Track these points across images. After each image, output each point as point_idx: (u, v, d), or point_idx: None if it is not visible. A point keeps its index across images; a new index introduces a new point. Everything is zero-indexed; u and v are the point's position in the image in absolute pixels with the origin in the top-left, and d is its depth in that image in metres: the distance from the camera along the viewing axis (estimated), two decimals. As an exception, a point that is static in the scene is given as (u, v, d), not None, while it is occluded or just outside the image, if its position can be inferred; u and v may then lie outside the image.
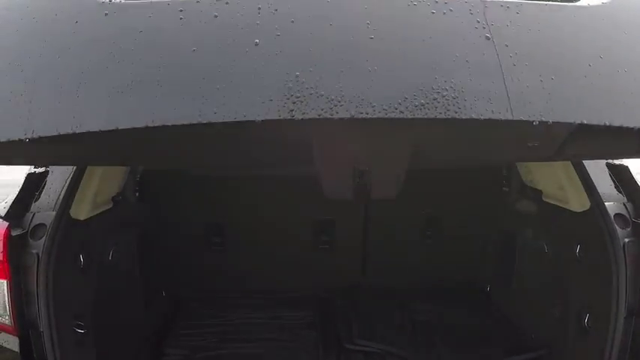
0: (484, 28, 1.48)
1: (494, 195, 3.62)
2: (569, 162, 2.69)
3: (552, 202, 2.92)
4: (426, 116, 1.38)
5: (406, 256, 3.80)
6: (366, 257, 3.81)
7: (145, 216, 3.47)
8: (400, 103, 1.38)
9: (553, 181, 2.87)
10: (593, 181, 2.62)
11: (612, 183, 2.69)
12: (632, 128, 1.48)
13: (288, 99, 1.36)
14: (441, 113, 1.38)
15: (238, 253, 3.73)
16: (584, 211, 2.63)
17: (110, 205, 2.93)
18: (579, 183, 2.64)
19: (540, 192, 3.06)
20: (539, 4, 1.59)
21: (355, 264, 3.82)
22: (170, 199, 3.57)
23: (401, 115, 1.37)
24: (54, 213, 2.44)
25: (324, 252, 3.74)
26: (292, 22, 1.45)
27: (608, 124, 1.46)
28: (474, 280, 3.83)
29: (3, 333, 2.30)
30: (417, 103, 1.38)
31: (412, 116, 1.37)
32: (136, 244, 3.23)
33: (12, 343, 2.30)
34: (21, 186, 2.43)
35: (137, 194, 3.46)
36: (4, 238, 2.25)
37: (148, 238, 3.45)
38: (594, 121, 1.46)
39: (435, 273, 3.85)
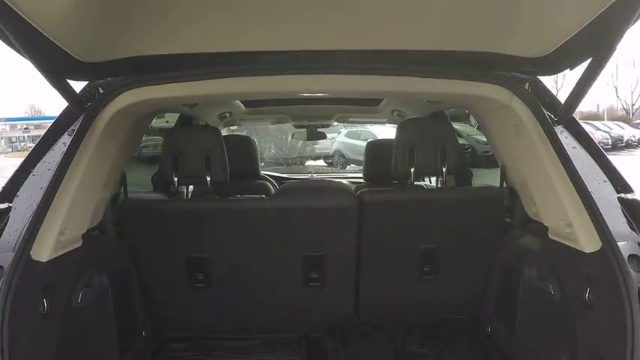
0: None
1: (497, 229, 3.40)
2: (578, 196, 2.49)
3: (559, 241, 2.71)
4: None
5: (402, 294, 3.57)
6: (359, 295, 3.57)
7: (121, 252, 3.26)
8: None
9: (560, 216, 2.65)
10: (605, 217, 2.41)
11: (625, 220, 2.47)
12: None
13: None
14: None
15: (222, 290, 3.49)
16: (594, 252, 2.41)
17: (79, 244, 2.73)
18: (589, 220, 2.43)
19: (546, 228, 2.84)
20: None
21: (347, 302, 3.59)
22: (150, 233, 3.35)
23: None
24: (12, 254, 2.26)
25: (315, 289, 3.50)
26: None
27: None
28: (474, 319, 3.60)
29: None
30: None
31: None
32: (111, 284, 3.00)
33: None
34: None
35: (116, 229, 3.27)
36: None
37: (125, 275, 3.23)
38: None
39: (433, 312, 3.62)
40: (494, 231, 3.41)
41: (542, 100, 2.85)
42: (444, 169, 3.40)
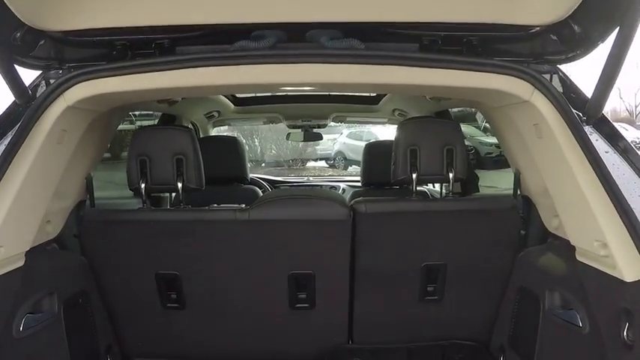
0: None
1: (511, 245, 3.00)
2: (616, 212, 2.06)
3: (590, 264, 2.27)
4: None
5: (402, 316, 3.16)
6: (353, 317, 3.15)
7: (80, 270, 2.85)
8: None
9: (591, 235, 2.21)
10: None
11: None
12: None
13: None
14: None
15: (198, 312, 3.08)
16: (637, 281, 1.98)
17: (20, 263, 2.33)
18: (631, 242, 1.99)
19: (573, 248, 2.41)
20: None
21: (339, 326, 3.17)
22: (113, 247, 2.93)
23: None
24: None
25: (302, 312, 3.09)
26: None
27: None
28: (483, 347, 3.18)
29: None
30: None
31: None
32: (64, 308, 2.59)
33: None
34: None
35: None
36: None
37: (83, 297, 2.82)
38: None
39: (437, 336, 3.20)
40: (508, 247, 3.01)
41: (567, 95, 2.42)
42: (450, 175, 2.98)
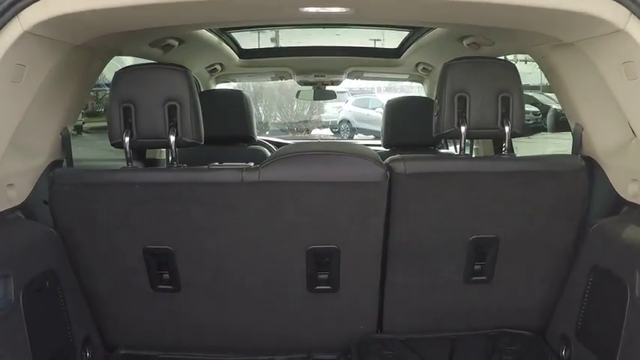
0: None
1: (579, 214, 2.47)
2: None
3: None
4: None
5: (442, 300, 2.64)
6: (384, 302, 2.63)
7: (49, 246, 2.32)
8: None
9: None
10: None
11: None
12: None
13: None
14: None
15: (196, 294, 2.56)
16: None
17: None
18: None
19: None
20: None
21: (367, 312, 2.65)
22: (91, 216, 2.39)
23: None
24: None
25: (324, 295, 2.57)
26: None
27: None
28: (539, 341, 2.67)
29: None
30: None
31: None
32: (25, 294, 2.06)
33: None
34: None
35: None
36: None
37: (51, 279, 2.29)
38: None
39: (485, 324, 2.69)
40: (573, 217, 2.49)
41: None
42: (506, 129, 2.43)
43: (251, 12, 2.43)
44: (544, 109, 16.47)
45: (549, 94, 14.83)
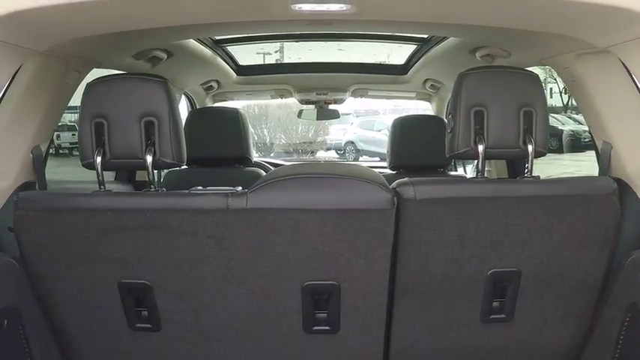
0: None
1: (607, 243, 2.20)
2: None
3: None
4: None
5: (456, 344, 2.34)
6: (391, 344, 2.33)
7: (12, 280, 2.05)
8: None
9: None
10: None
11: None
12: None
13: None
14: None
15: (178, 334, 2.26)
16: None
17: None
18: None
19: None
20: None
21: (372, 356, 2.34)
22: (59, 245, 2.11)
23: None
24: None
25: (322, 337, 2.27)
26: None
27: None
28: None
29: None
30: None
31: None
32: None
33: None
34: None
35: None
36: None
37: (13, 319, 2.01)
38: None
39: None
40: (604, 247, 2.20)
41: None
42: (529, 148, 2.15)
43: (235, 10, 2.16)
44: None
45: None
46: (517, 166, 3.60)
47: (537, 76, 2.23)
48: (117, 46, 2.56)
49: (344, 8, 1.96)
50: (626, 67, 2.14)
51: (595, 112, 2.36)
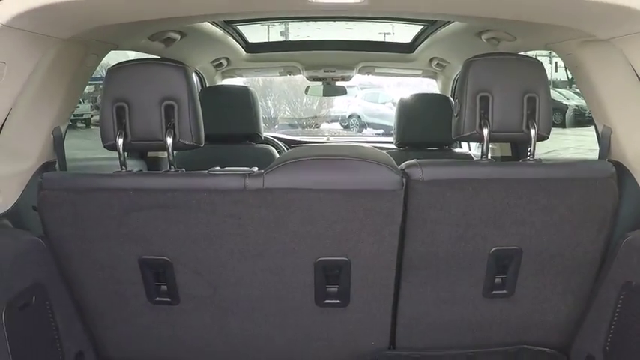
0: None
1: (605, 224, 2.30)
2: None
3: None
4: None
5: (460, 315, 2.45)
6: (398, 317, 2.45)
7: (39, 257, 2.16)
8: None
9: None
10: None
11: None
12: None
13: None
14: None
15: (196, 308, 2.38)
16: None
17: None
18: None
19: None
20: None
21: (379, 327, 2.46)
22: (82, 223, 2.21)
23: None
24: None
25: (333, 310, 2.38)
26: None
27: None
28: (562, 358, 2.50)
29: None
30: None
31: None
32: (7, 311, 1.90)
33: None
34: None
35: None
36: None
37: (40, 294, 2.12)
38: None
39: (504, 340, 2.50)
40: (601, 228, 2.31)
41: None
42: (532, 132, 2.24)
43: (255, 2, 2.24)
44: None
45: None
46: (520, 145, 3.68)
47: (541, 63, 2.31)
48: (135, 29, 2.64)
49: (358, 2, 2.04)
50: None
51: (596, 98, 2.44)
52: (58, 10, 1.78)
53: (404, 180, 2.14)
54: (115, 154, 2.23)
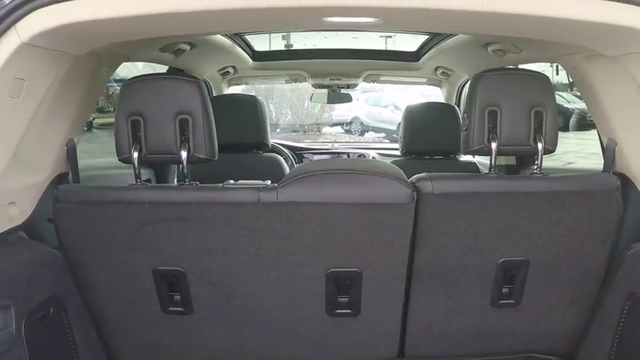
0: None
1: (610, 236, 2.34)
2: None
3: None
4: None
5: (467, 326, 2.49)
6: (407, 326, 2.48)
7: (54, 269, 2.19)
8: None
9: None
10: None
11: None
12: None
13: None
14: None
15: (209, 318, 2.41)
16: None
17: None
18: None
19: None
20: None
21: (389, 337, 2.50)
22: (97, 235, 2.25)
23: None
24: None
25: (344, 320, 2.42)
26: None
27: None
28: None
29: None
30: None
31: None
32: (27, 323, 1.93)
33: None
34: None
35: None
36: None
37: (57, 305, 2.16)
38: None
39: (510, 352, 2.54)
40: (606, 239, 2.35)
41: None
42: (539, 146, 2.28)
43: (271, 22, 2.28)
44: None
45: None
46: (525, 156, 3.71)
47: (548, 78, 2.35)
48: (147, 43, 2.67)
49: (372, 21, 2.08)
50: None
51: (601, 110, 2.47)
52: (77, 28, 1.82)
53: (414, 193, 2.18)
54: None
